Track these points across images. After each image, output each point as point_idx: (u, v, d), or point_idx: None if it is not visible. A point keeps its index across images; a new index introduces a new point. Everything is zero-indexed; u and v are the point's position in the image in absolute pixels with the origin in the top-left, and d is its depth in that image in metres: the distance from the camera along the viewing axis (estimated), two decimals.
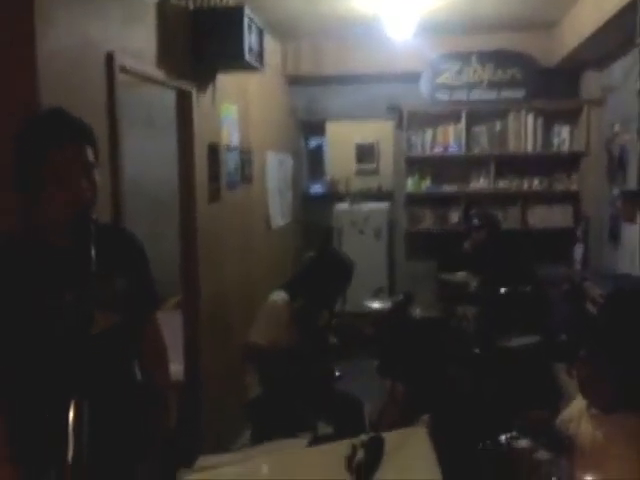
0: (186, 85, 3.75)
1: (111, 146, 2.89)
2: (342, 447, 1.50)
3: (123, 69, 2.99)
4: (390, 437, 1.53)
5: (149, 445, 2.13)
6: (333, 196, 7.91)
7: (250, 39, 3.88)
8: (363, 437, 1.51)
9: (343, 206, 7.50)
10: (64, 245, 1.88)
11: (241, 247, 4.90)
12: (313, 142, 8.63)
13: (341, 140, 8.27)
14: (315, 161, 8.59)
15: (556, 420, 2.87)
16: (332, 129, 8.25)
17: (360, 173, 8.28)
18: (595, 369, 2.58)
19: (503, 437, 2.75)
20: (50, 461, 1.79)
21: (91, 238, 1.82)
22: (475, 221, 5.46)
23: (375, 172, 8.25)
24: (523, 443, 2.63)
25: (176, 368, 3.27)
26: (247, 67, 4.04)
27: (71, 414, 1.58)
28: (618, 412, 2.46)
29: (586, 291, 4.26)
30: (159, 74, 3.39)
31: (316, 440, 1.90)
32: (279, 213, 6.02)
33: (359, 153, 8.28)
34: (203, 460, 1.73)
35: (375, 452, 1.48)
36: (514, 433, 2.74)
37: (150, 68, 3.30)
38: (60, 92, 2.49)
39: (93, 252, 1.80)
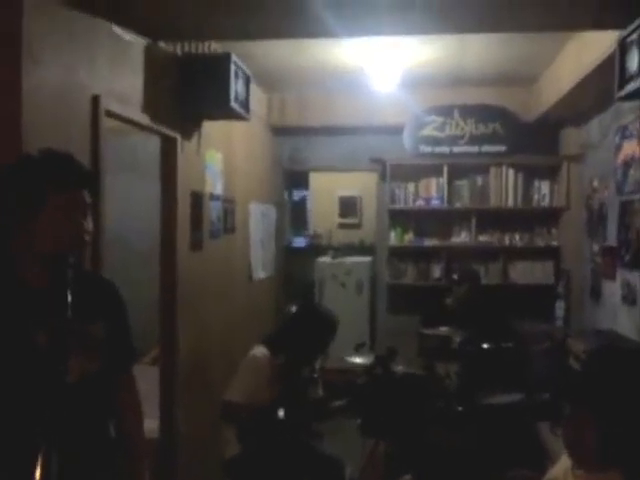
0: (171, 131, 3.73)
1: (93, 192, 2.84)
2: None
3: (109, 113, 2.97)
4: None
5: None
6: (315, 249, 7.93)
7: (236, 86, 3.89)
8: None
9: (325, 259, 7.50)
10: (40, 286, 1.84)
11: (222, 299, 4.82)
12: (297, 195, 8.68)
13: (324, 193, 8.34)
14: (298, 214, 8.62)
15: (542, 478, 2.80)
16: (315, 181, 8.32)
17: (343, 227, 8.32)
18: (579, 427, 2.53)
19: None
20: None
21: (69, 281, 1.80)
22: (455, 276, 5.52)
23: (358, 226, 8.30)
24: None
25: (151, 424, 3.14)
26: (233, 115, 4.05)
27: (38, 465, 1.53)
28: (603, 472, 2.41)
29: (569, 347, 4.22)
30: (144, 119, 3.37)
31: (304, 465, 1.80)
32: (261, 265, 5.96)
33: (342, 207, 8.35)
34: None
35: None
36: None
37: (135, 113, 3.29)
38: (44, 133, 2.46)
39: (70, 296, 1.78)
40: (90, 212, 1.91)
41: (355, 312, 6.81)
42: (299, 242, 8.39)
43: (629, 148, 4.53)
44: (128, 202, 4.59)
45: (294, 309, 4.01)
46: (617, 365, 3.30)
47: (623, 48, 3.15)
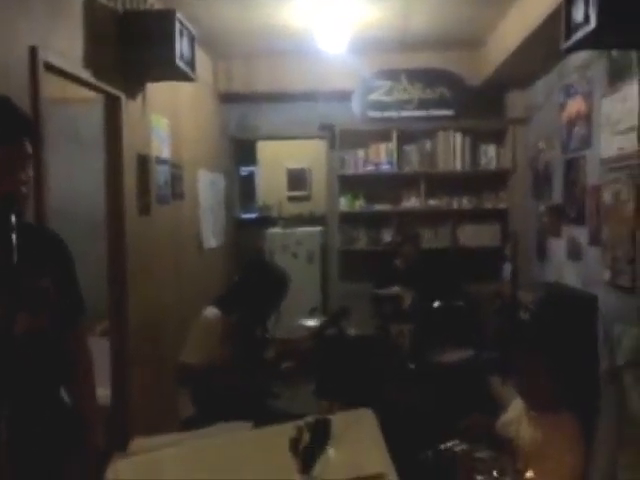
0: (114, 90, 3.61)
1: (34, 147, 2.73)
2: (287, 429, 1.41)
3: (47, 65, 2.85)
4: (337, 419, 1.45)
5: (75, 457, 1.99)
6: (265, 221, 7.87)
7: (182, 45, 3.79)
8: (309, 419, 1.42)
9: (276, 230, 7.48)
10: None
11: (172, 267, 4.74)
12: (245, 171, 8.59)
13: (273, 166, 8.27)
14: (247, 190, 8.54)
15: (496, 424, 2.87)
16: (263, 153, 8.25)
17: (292, 199, 8.28)
18: (531, 372, 2.61)
19: (444, 445, 2.73)
20: None
21: (12, 230, 1.73)
22: (397, 237, 5.72)
23: (307, 198, 8.28)
24: (464, 447, 2.62)
25: (103, 392, 3.07)
26: (179, 75, 3.95)
27: None
28: (555, 414, 2.50)
29: (518, 300, 4.32)
30: (86, 75, 3.25)
31: (261, 423, 1.79)
32: (211, 234, 5.88)
33: (291, 180, 8.30)
34: (136, 443, 1.59)
35: (321, 434, 1.39)
36: (455, 441, 2.72)
37: (76, 68, 3.17)
38: None
39: (15, 247, 1.71)
40: (30, 164, 1.84)
41: (307, 281, 6.82)
42: (249, 215, 8.33)
43: (573, 106, 4.62)
44: (71, 176, 4.44)
45: (244, 268, 3.95)
46: (564, 313, 3.42)
47: None
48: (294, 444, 1.35)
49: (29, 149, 1.82)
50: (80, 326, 2.11)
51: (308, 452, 1.35)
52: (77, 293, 2.09)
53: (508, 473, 2.12)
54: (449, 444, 2.72)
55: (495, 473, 2.12)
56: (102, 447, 2.07)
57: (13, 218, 1.75)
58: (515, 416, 2.76)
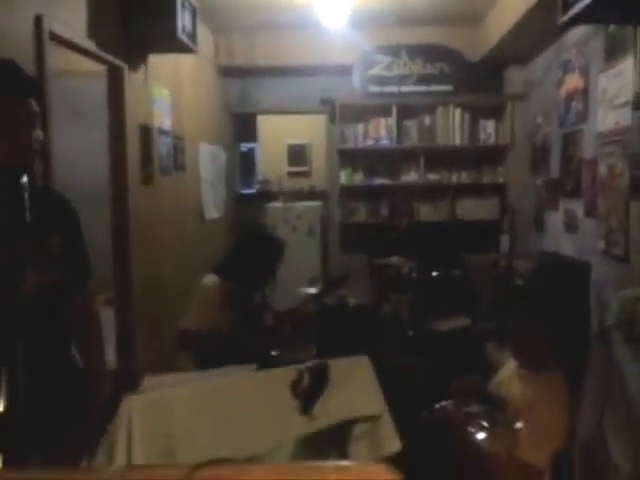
0: (118, 60, 3.66)
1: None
2: (289, 372, 1.49)
3: (53, 35, 2.90)
4: (335, 364, 1.53)
5: (81, 411, 2.06)
6: (265, 196, 7.92)
7: (183, 18, 3.84)
8: (309, 363, 1.50)
9: (276, 204, 7.54)
10: None
11: (174, 237, 4.82)
12: (245, 147, 8.62)
13: (273, 141, 8.29)
14: (247, 166, 8.58)
15: (488, 384, 2.97)
16: (264, 128, 8.27)
17: (292, 175, 8.33)
18: (523, 332, 2.70)
19: (438, 405, 2.83)
20: None
21: (25, 190, 1.77)
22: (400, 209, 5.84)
23: (307, 174, 8.32)
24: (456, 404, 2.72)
25: (109, 357, 3.16)
26: (180, 47, 4.00)
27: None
28: (545, 373, 2.59)
29: (514, 268, 4.40)
30: (90, 45, 3.30)
31: (264, 366, 1.87)
32: (212, 205, 5.95)
33: (291, 155, 8.33)
34: (149, 381, 1.68)
35: (320, 378, 1.47)
36: (449, 401, 2.82)
37: (81, 38, 3.22)
38: None
39: (27, 204, 1.75)
40: (39, 123, 1.87)
41: (308, 253, 6.90)
42: (249, 190, 8.38)
43: (571, 81, 4.67)
44: (73, 148, 4.49)
45: (240, 235, 4.02)
46: (557, 279, 3.51)
47: None
48: (295, 386, 1.44)
49: (36, 107, 1.85)
50: (88, 287, 2.16)
51: (308, 394, 1.43)
52: (85, 254, 2.13)
53: (499, 425, 2.22)
54: (443, 403, 2.82)
55: (485, 424, 2.21)
56: (109, 399, 2.15)
57: (25, 177, 1.80)
58: (507, 376, 2.85)
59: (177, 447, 1.46)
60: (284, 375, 1.48)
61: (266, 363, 1.88)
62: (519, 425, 2.22)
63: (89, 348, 2.12)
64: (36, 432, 1.79)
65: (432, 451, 2.54)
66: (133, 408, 1.58)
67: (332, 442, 1.53)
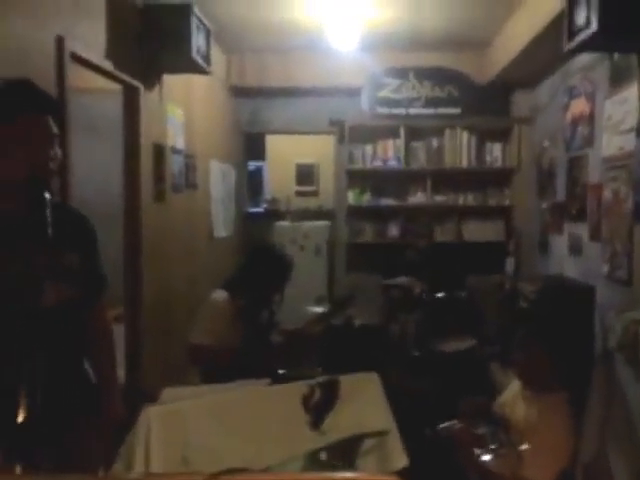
0: (133, 80, 3.76)
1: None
2: (300, 387, 1.54)
3: (74, 55, 2.99)
4: (345, 380, 1.58)
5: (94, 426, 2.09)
6: (273, 215, 8.00)
7: (198, 39, 3.94)
8: (320, 379, 1.56)
9: (284, 223, 7.60)
10: (14, 211, 1.85)
11: (184, 254, 4.88)
12: (252, 165, 8.72)
13: (281, 161, 8.38)
14: (254, 185, 8.67)
15: (493, 405, 3.01)
16: (272, 148, 8.36)
17: (300, 194, 8.40)
18: (528, 353, 2.74)
19: (443, 425, 2.86)
20: None
21: (47, 206, 1.81)
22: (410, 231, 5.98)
23: (315, 193, 8.40)
24: (462, 425, 2.76)
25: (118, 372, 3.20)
26: (194, 68, 4.09)
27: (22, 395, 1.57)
28: (549, 394, 2.63)
29: (519, 290, 4.45)
30: (108, 65, 3.39)
31: (276, 382, 1.92)
32: (222, 224, 6.02)
33: (299, 175, 8.42)
34: (167, 393, 1.73)
35: (330, 393, 1.52)
36: (454, 421, 2.85)
37: (99, 58, 3.31)
38: (8, 70, 2.46)
39: (49, 220, 1.79)
40: (57, 142, 1.89)
41: (314, 272, 6.95)
42: (257, 210, 8.45)
43: (577, 107, 4.74)
44: (88, 166, 4.57)
45: (248, 253, 4.07)
46: (562, 301, 3.55)
47: (572, 3, 3.32)
48: (306, 401, 1.48)
49: (54, 127, 1.88)
50: (102, 300, 2.21)
51: (318, 408, 1.48)
52: (100, 268, 2.18)
53: (504, 446, 2.25)
54: (447, 424, 2.85)
55: (492, 446, 2.24)
56: (123, 416, 2.19)
57: (47, 195, 1.85)
58: (511, 397, 2.89)
59: (192, 457, 1.51)
60: (296, 390, 1.53)
61: (279, 378, 1.92)
62: (524, 446, 2.25)
63: (102, 362, 2.15)
64: (52, 442, 1.83)
65: (437, 470, 2.58)
66: (152, 418, 1.63)
67: (341, 457, 1.58)
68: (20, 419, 1.57)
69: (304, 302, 5.03)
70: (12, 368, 1.60)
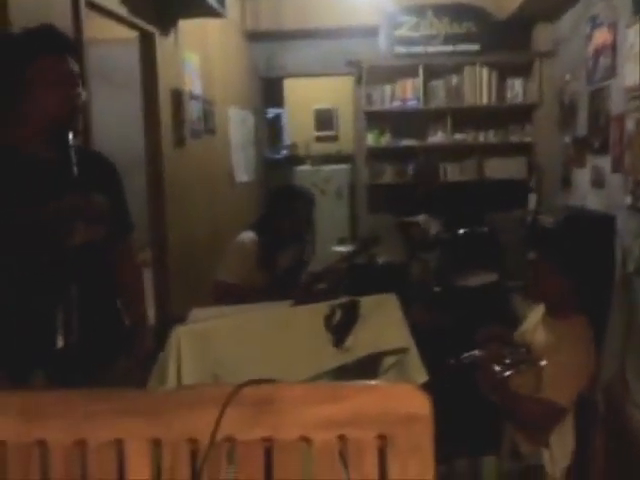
0: (149, 26, 3.76)
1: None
2: (322, 308, 1.61)
3: (89, 2, 3.00)
4: (365, 301, 1.64)
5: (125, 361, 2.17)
6: (294, 160, 8.01)
7: None
8: (341, 299, 1.62)
9: (304, 168, 7.63)
10: (43, 154, 1.90)
11: (206, 199, 4.94)
12: (271, 112, 8.69)
13: (300, 105, 8.34)
14: (274, 131, 8.66)
15: (514, 334, 3.06)
16: (291, 93, 8.32)
17: (320, 140, 8.39)
18: (548, 279, 2.75)
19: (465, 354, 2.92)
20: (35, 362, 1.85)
21: (72, 149, 1.86)
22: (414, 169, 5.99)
23: (334, 138, 8.38)
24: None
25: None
26: (209, 11, 4.09)
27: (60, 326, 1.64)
28: (569, 318, 2.66)
29: (540, 222, 4.45)
30: (123, 10, 3.39)
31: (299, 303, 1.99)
32: (242, 169, 6.06)
33: (318, 120, 8.38)
34: (196, 313, 1.81)
35: (351, 313, 1.58)
36: (475, 351, 2.91)
37: (114, 3, 3.31)
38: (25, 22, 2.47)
39: (75, 162, 1.84)
40: (79, 80, 1.93)
41: (336, 215, 7.00)
42: (277, 155, 8.46)
43: (600, 37, 4.63)
44: (108, 116, 4.61)
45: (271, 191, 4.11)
46: (583, 230, 3.55)
47: None
48: (328, 320, 1.55)
49: (76, 66, 1.92)
50: (130, 242, 2.27)
51: (340, 328, 1.55)
52: (126, 210, 2.24)
53: (524, 362, 2.30)
54: (470, 353, 2.91)
55: (511, 361, 2.30)
56: (151, 350, 2.28)
57: (71, 135, 1.90)
58: (532, 324, 2.93)
59: (221, 373, 1.59)
60: (318, 310, 1.60)
61: (301, 299, 1.99)
62: (544, 363, 2.31)
63: (133, 302, 2.21)
64: (89, 373, 1.91)
65: (460, 393, 2.65)
66: (182, 337, 1.72)
67: (363, 374, 1.66)
68: (59, 344, 1.65)
69: (327, 245, 5.09)
70: (49, 297, 1.67)
